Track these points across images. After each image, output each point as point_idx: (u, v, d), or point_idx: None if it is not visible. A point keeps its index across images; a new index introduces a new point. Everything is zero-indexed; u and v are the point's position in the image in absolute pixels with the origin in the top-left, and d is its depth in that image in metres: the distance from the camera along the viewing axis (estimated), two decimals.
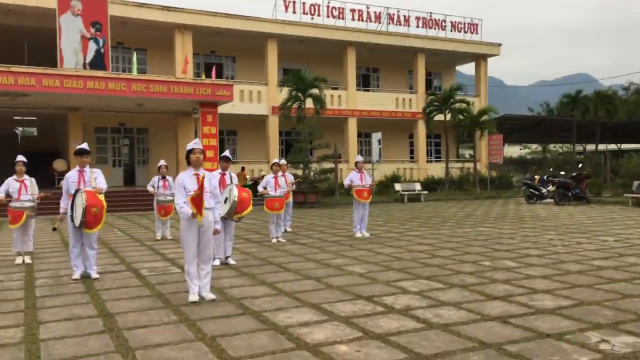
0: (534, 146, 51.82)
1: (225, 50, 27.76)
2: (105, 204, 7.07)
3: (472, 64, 33.88)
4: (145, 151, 26.02)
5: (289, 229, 12.38)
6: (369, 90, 31.27)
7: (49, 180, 22.66)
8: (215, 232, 6.04)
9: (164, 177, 11.20)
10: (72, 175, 7.21)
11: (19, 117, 27.17)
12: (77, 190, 7.04)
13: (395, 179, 26.91)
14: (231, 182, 8.13)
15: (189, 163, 6.00)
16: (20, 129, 29.96)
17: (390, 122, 30.65)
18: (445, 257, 8.57)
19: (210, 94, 20.80)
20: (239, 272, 7.59)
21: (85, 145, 7.38)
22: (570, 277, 6.94)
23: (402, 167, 30.68)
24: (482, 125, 27.75)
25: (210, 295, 5.95)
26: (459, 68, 37.95)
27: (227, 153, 8.29)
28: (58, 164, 22.69)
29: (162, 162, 11.52)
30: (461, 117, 27.58)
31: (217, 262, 8.07)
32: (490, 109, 28.30)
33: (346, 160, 28.28)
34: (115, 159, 25.45)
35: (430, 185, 27.69)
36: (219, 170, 8.25)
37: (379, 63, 32.18)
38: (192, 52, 24.80)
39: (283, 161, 12.29)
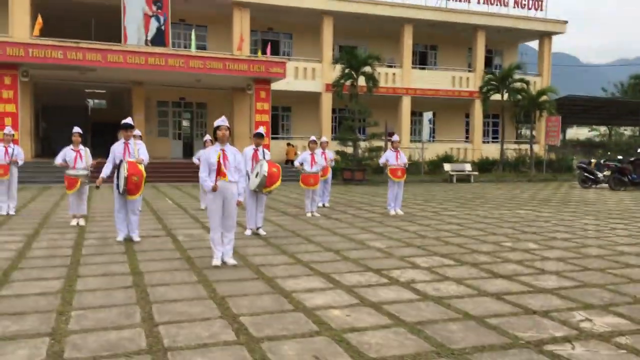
0: (602, 128, 49.61)
1: (282, 27, 28.20)
2: (144, 173, 7.73)
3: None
4: (203, 125, 27.03)
5: (327, 205, 12.81)
6: (424, 69, 30.92)
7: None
8: (238, 203, 6.52)
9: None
10: (118, 147, 7.89)
11: (90, 90, 28.87)
12: (121, 161, 7.73)
13: (447, 158, 26.70)
14: (263, 157, 8.59)
15: (216, 139, 6.48)
16: (91, 101, 31.73)
17: (446, 101, 30.31)
18: (469, 237, 8.74)
19: (264, 71, 21.36)
20: (266, 242, 8.10)
21: (129, 120, 8.03)
22: (586, 260, 7.00)
23: (457, 147, 30.37)
24: (541, 106, 26.94)
25: (231, 261, 6.48)
26: (528, 44, 36.80)
27: (260, 130, 8.75)
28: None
29: (207, 137, 12.15)
30: (519, 97, 26.89)
31: (248, 233, 8.63)
32: (550, 89, 27.40)
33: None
34: (175, 132, 26.64)
35: (485, 166, 27.31)
36: (253, 146, 8.74)
37: (438, 40, 31.69)
38: (249, 29, 25.38)
39: (324, 138, 12.62)
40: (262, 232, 8.71)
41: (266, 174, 8.16)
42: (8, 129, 10.79)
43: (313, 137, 11.43)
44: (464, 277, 6.01)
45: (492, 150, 29.58)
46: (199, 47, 26.35)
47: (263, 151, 8.72)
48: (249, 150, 8.72)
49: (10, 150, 10.43)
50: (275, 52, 27.72)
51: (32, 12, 21.66)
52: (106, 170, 7.91)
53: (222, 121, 6.46)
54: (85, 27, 23.71)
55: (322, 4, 26.28)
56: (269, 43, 24.74)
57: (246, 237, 8.44)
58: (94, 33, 23.21)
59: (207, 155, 6.42)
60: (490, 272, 6.30)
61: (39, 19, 19.28)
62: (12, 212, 10.57)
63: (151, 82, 23.50)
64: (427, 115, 24.08)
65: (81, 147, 9.39)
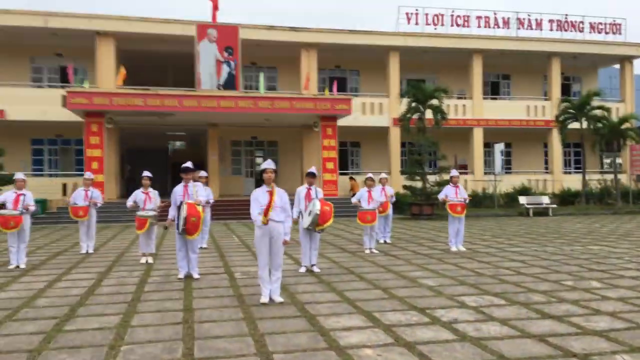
0: None
1: (350, 64, 28.81)
2: (202, 214, 8.17)
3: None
4: (274, 162, 27.89)
5: (388, 241, 12.79)
6: (496, 99, 30.34)
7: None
8: (284, 242, 6.74)
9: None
10: (178, 190, 8.40)
11: (170, 133, 30.70)
12: (181, 202, 8.23)
13: (524, 191, 25.75)
14: (316, 196, 8.83)
15: (262, 180, 6.80)
16: (173, 143, 33.67)
17: (521, 131, 29.49)
18: (529, 275, 8.45)
19: (330, 108, 21.88)
20: (318, 279, 8.24)
21: (189, 164, 8.56)
22: None
23: (535, 178, 29.26)
24: (624, 133, 25.56)
25: (279, 298, 6.68)
26: (614, 67, 35.23)
27: (313, 169, 9.01)
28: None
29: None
30: (600, 125, 25.66)
31: (302, 270, 8.82)
32: (632, 116, 25.98)
33: (471, 171, 27.76)
34: (247, 170, 27.63)
35: (567, 198, 26.13)
36: (306, 185, 9.00)
37: (510, 69, 31.10)
38: (316, 68, 26.15)
39: (383, 175, 12.76)
40: (316, 269, 8.87)
41: (318, 212, 8.38)
42: (88, 174, 11.76)
43: (370, 174, 11.53)
44: (510, 318, 5.86)
45: (574, 181, 28.19)
46: (269, 88, 27.50)
47: (315, 190, 8.95)
48: (302, 189, 8.98)
49: (89, 193, 11.33)
50: (342, 88, 28.36)
51: (116, 63, 23.59)
52: (172, 212, 8.38)
53: (267, 164, 6.79)
54: (163, 75, 25.46)
55: (388, 40, 26.68)
56: (335, 80, 25.34)
57: (299, 274, 8.63)
58: (171, 79, 24.82)
59: (256, 195, 6.73)
60: (540, 312, 6.09)
61: (122, 70, 20.93)
62: (91, 251, 11.41)
63: (225, 123, 24.65)
64: (499, 147, 23.54)
65: (150, 189, 10.06)
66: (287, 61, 27.13)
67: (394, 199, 12.83)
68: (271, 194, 6.68)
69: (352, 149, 29.08)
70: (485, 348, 4.82)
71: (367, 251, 11.04)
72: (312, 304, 6.61)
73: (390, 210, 12.71)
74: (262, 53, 26.39)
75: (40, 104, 22.29)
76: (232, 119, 23.43)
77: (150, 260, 9.97)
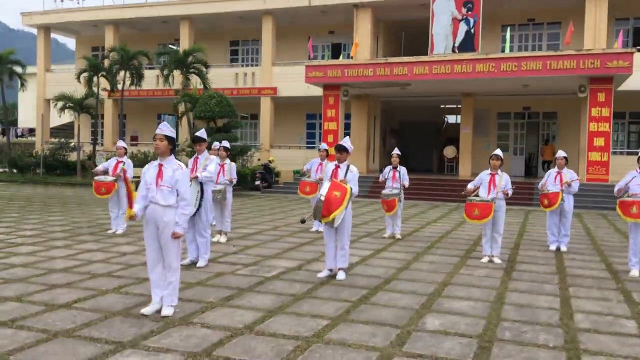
0: None
1: None
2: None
3: None
4: (550, 138, 23.17)
5: (563, 248, 8.71)
6: None
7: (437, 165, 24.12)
8: (174, 235, 4.93)
9: (395, 167, 9.73)
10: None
11: (448, 106, 28.73)
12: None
13: None
14: (345, 176, 6.42)
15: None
16: (449, 117, 31.55)
17: None
18: None
19: (599, 67, 16.57)
20: (326, 288, 5.95)
21: (199, 133, 7.02)
22: None
23: None
24: None
25: (167, 311, 4.96)
26: None
27: (343, 142, 6.58)
28: (448, 151, 22.94)
29: (395, 151, 10.02)
30: None
31: (322, 274, 6.60)
32: None
33: None
34: (516, 146, 23.62)
35: None
36: (335, 162, 6.64)
37: None
38: (606, 19, 20.15)
39: (560, 153, 8.76)
40: (340, 275, 6.50)
41: (323, 198, 6.08)
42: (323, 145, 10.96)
43: (497, 152, 7.83)
44: None
45: None
46: (550, 47, 22.80)
47: (347, 168, 6.51)
48: (330, 166, 6.68)
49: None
50: None
51: (372, 34, 22.94)
52: None
53: (160, 129, 5.00)
54: (396, 44, 23.99)
55: None
56: (621, 31, 19.08)
57: (315, 279, 6.44)
58: (403, 48, 22.90)
59: (145, 170, 5.11)
60: None
61: (355, 42, 20.25)
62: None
63: (482, 92, 21.54)
64: None
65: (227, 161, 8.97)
66: (574, 13, 21.77)
67: (574, 188, 8.59)
68: (161, 167, 4.97)
69: None
70: None
71: (485, 259, 7.67)
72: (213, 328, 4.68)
73: (567, 204, 8.60)
74: (541, 7, 21.93)
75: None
76: (486, 87, 20.19)
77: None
